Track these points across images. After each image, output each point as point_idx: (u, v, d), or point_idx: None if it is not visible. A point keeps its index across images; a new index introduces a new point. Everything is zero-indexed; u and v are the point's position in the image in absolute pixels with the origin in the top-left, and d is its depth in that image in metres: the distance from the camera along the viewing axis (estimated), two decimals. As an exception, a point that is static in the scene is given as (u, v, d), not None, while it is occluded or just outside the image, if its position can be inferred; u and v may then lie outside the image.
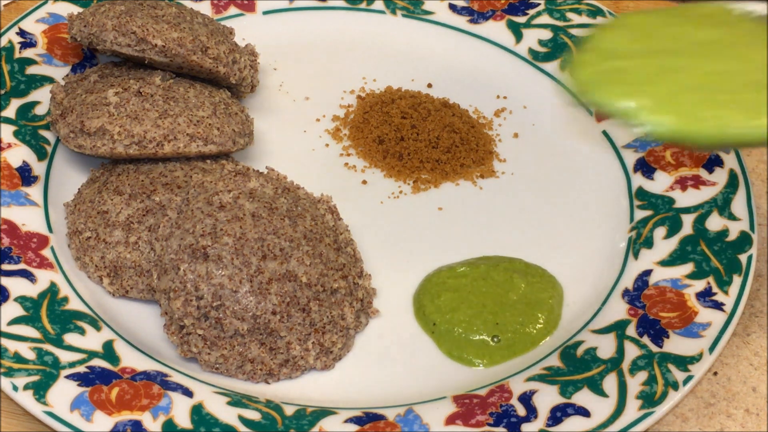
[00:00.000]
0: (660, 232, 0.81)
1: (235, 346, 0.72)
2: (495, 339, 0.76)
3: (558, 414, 0.69)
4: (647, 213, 0.83)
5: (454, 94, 0.93)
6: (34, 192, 0.81)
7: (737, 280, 0.77)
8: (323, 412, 0.70)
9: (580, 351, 0.74)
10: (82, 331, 0.73)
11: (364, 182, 0.87)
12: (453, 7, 0.97)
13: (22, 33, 0.90)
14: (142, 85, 0.81)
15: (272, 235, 0.74)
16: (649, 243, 0.80)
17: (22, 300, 0.74)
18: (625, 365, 0.72)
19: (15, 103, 0.85)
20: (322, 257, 0.75)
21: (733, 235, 0.80)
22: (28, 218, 0.79)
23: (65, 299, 0.75)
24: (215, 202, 0.75)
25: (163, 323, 0.75)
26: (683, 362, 0.72)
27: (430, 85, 0.94)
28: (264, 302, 0.72)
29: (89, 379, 0.70)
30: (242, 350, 0.72)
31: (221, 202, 0.75)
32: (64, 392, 0.68)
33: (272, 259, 0.73)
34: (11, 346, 0.70)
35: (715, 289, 0.76)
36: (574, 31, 0.95)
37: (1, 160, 0.81)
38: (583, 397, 0.70)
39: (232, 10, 0.96)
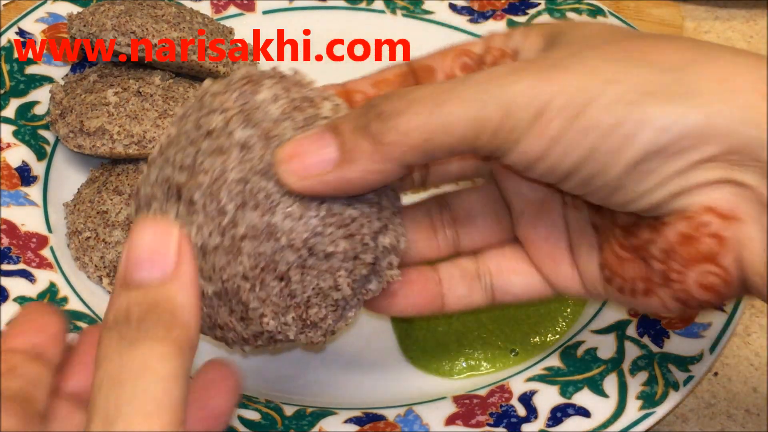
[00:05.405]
0: (660, 232, 0.81)
1: (202, 306, 0.59)
2: (513, 352, 0.76)
3: (558, 414, 0.69)
4: (647, 213, 0.83)
5: (454, 93, 0.93)
6: (34, 192, 0.81)
7: (738, 280, 0.77)
8: (323, 412, 0.70)
9: (580, 351, 0.74)
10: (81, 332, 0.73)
11: (364, 182, 0.87)
12: (453, 7, 0.97)
13: (21, 33, 0.89)
14: (141, 85, 0.81)
15: (258, 175, 0.57)
16: (649, 243, 0.80)
17: (21, 300, 0.73)
18: (626, 365, 0.72)
19: (14, 103, 0.85)
20: (321, 209, 0.58)
21: (733, 235, 0.79)
22: (27, 218, 0.79)
23: (65, 299, 0.75)
24: (203, 126, 0.58)
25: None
26: (684, 362, 0.72)
27: (430, 85, 0.94)
28: (233, 264, 0.57)
29: (89, 379, 0.69)
30: (210, 312, 0.60)
31: (209, 127, 0.58)
32: (63, 392, 0.68)
33: (252, 209, 0.56)
34: (10, 346, 0.70)
35: (715, 289, 0.76)
36: (574, 31, 0.95)
37: (1, 160, 0.81)
38: (583, 398, 0.70)
39: (232, 9, 0.96)
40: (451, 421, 0.70)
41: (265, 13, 0.97)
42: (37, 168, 0.82)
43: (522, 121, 0.53)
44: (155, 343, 0.46)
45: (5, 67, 0.87)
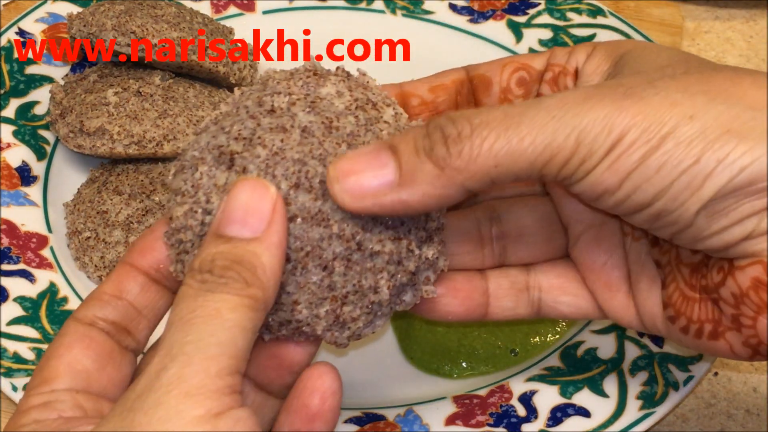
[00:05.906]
0: (660, 232, 0.81)
1: None
2: (513, 352, 0.76)
3: (558, 414, 0.69)
4: (647, 213, 0.83)
5: (454, 93, 0.93)
6: (34, 192, 0.81)
7: (738, 280, 0.77)
8: (323, 413, 0.70)
9: (580, 351, 0.74)
10: (81, 332, 0.73)
11: (364, 182, 0.87)
12: (453, 7, 0.97)
13: (21, 33, 0.89)
14: (141, 85, 0.81)
15: (316, 160, 0.56)
16: (649, 243, 0.80)
17: (21, 300, 0.73)
18: (626, 365, 0.72)
19: (14, 103, 0.85)
20: None
21: (733, 235, 0.79)
22: (27, 218, 0.79)
23: (65, 299, 0.75)
24: (266, 104, 0.59)
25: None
26: (684, 362, 0.72)
27: (430, 85, 0.94)
28: None
29: (89, 379, 0.69)
30: None
31: (272, 106, 0.58)
32: (63, 392, 0.68)
33: (305, 191, 0.55)
34: (10, 346, 0.70)
35: (715, 289, 0.76)
36: (574, 31, 0.95)
37: (1, 160, 0.81)
38: (583, 398, 0.70)
39: (232, 9, 0.96)
40: (451, 421, 0.70)
41: (265, 13, 0.97)
42: (37, 168, 0.82)
43: (595, 152, 0.51)
44: (231, 295, 0.48)
45: (5, 67, 0.87)
